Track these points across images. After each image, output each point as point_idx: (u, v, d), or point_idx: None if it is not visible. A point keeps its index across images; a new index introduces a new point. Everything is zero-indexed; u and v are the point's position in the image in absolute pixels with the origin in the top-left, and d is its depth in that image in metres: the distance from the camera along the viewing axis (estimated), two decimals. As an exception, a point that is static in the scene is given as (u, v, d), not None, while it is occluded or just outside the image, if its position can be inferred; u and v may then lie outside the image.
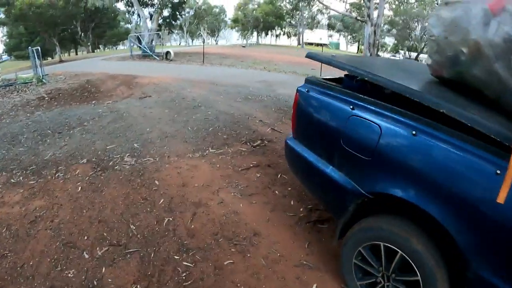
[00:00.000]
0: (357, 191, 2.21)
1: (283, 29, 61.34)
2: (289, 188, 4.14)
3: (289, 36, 66.85)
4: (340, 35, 71.19)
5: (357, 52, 60.91)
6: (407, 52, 51.01)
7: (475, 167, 1.73)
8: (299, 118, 2.87)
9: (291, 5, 48.38)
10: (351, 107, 2.34)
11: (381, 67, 2.97)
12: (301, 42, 61.11)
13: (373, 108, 2.22)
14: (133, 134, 5.93)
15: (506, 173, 1.57)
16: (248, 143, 5.55)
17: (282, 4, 49.27)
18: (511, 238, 1.62)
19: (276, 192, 4.06)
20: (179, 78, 12.18)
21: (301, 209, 3.71)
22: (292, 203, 3.84)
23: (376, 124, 2.14)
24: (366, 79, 2.22)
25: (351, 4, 45.02)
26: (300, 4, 45.51)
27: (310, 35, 66.96)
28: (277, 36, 63.53)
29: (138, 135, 5.87)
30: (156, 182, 4.20)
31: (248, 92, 9.70)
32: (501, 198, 1.59)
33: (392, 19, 41.74)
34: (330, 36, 72.38)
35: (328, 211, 3.19)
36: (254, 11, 50.42)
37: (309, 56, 2.70)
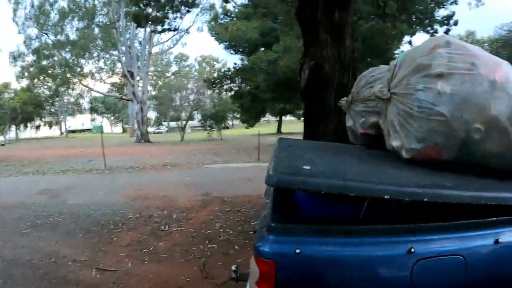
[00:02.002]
0: None
1: (43, 119, 54.72)
2: None
3: (50, 126, 60.20)
4: (103, 117, 68.68)
5: (122, 132, 60.00)
6: (170, 123, 53.40)
7: None
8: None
9: (50, 91, 43.44)
10: (410, 249, 1.47)
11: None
12: (64, 131, 55.73)
13: (448, 235, 1.56)
14: None
15: None
16: (85, 311, 3.59)
17: (40, 91, 43.73)
18: None
19: None
20: None
21: None
22: None
23: (458, 255, 1.54)
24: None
25: (112, 84, 44.32)
26: (60, 89, 41.47)
27: (72, 122, 62.35)
28: (37, 127, 56.05)
29: None
30: None
31: (33, 214, 6.93)
32: None
33: (153, 94, 42.81)
34: (93, 120, 69.08)
35: None
36: (11, 101, 42.78)
37: (279, 184, 1.51)
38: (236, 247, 4.57)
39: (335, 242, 1.48)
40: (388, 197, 1.43)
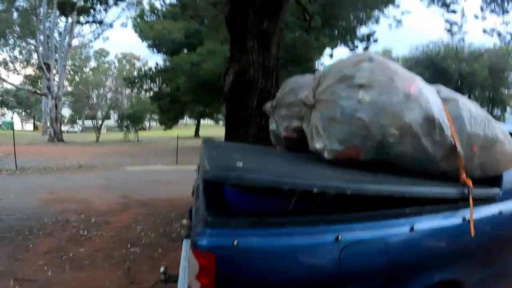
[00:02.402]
0: None
1: None
2: None
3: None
4: (13, 112, 61.23)
5: (33, 130, 54.91)
6: (85, 122, 49.79)
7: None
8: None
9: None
10: (337, 237, 1.64)
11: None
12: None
13: (370, 223, 1.79)
14: None
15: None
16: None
17: None
18: None
19: None
20: None
21: None
22: None
23: (380, 241, 1.79)
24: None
25: (26, 77, 40.21)
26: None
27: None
28: None
29: None
30: None
31: None
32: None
33: (69, 90, 39.57)
34: (3, 115, 61.57)
35: None
36: None
37: (216, 178, 1.54)
38: (160, 250, 4.48)
39: (269, 233, 1.57)
40: (316, 190, 1.56)
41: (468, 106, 2.25)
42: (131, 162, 14.18)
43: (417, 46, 23.86)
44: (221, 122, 47.29)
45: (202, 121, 44.33)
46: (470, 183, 2.13)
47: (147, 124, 53.47)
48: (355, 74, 2.01)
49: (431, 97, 2.11)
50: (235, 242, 1.50)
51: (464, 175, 2.14)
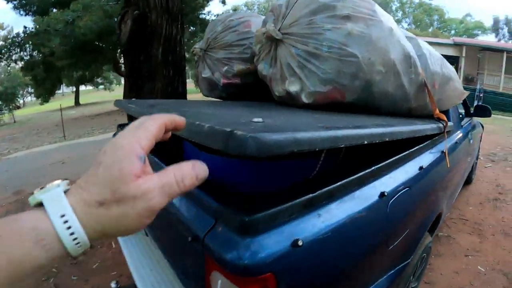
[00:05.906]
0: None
1: None
2: None
3: None
4: None
5: None
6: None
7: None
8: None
9: None
10: (382, 192, 1.38)
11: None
12: None
13: (396, 170, 1.62)
14: None
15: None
16: None
17: None
18: None
19: None
20: None
21: None
22: None
23: (408, 187, 1.63)
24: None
25: None
26: None
27: None
28: None
29: None
30: None
31: None
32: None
33: None
34: None
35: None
36: None
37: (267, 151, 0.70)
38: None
39: (321, 213, 1.09)
40: (365, 141, 1.08)
41: (426, 46, 2.19)
42: (13, 148, 12.24)
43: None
44: (101, 87, 43.89)
45: (80, 88, 40.62)
46: (444, 117, 2.12)
47: (21, 101, 47.41)
48: (336, 4, 1.69)
49: (402, 33, 1.95)
50: (300, 243, 0.94)
51: (437, 111, 2.10)
